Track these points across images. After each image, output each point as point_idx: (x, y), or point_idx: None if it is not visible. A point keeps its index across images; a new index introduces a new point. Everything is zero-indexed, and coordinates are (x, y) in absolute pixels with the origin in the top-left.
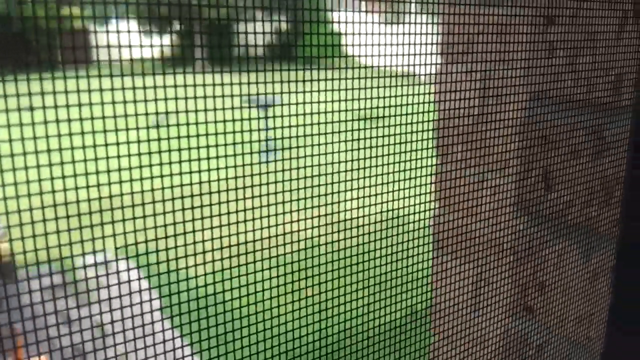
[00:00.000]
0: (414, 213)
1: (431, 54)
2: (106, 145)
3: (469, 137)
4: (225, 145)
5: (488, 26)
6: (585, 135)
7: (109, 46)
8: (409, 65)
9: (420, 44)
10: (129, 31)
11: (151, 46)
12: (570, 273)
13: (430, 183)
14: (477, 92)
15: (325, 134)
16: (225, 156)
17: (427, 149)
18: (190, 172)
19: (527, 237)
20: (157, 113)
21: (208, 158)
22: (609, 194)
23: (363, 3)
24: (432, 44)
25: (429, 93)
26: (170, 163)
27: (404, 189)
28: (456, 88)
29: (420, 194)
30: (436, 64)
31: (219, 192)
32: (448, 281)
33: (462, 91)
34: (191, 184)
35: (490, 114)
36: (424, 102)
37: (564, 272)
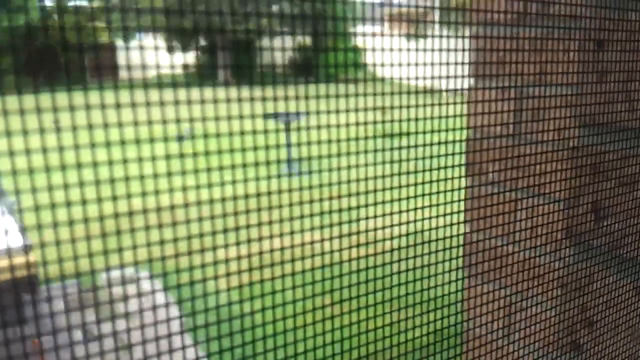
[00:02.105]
0: (438, 228)
1: (459, 72)
2: (138, 160)
3: (502, 156)
4: (246, 161)
5: (524, 46)
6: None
7: (138, 62)
8: (440, 81)
9: (453, 63)
10: (155, 47)
11: (172, 59)
12: (622, 309)
13: (459, 200)
14: (512, 113)
15: (351, 152)
16: (244, 167)
17: (456, 166)
18: (209, 185)
19: (574, 267)
20: (177, 127)
21: (220, 167)
22: None
23: (387, 22)
24: (461, 63)
25: (460, 114)
26: (197, 171)
27: (431, 206)
28: (490, 107)
29: (448, 213)
30: (468, 82)
31: (233, 208)
32: (481, 306)
33: (496, 112)
34: (210, 198)
35: (527, 135)
36: (447, 117)
37: (614, 308)
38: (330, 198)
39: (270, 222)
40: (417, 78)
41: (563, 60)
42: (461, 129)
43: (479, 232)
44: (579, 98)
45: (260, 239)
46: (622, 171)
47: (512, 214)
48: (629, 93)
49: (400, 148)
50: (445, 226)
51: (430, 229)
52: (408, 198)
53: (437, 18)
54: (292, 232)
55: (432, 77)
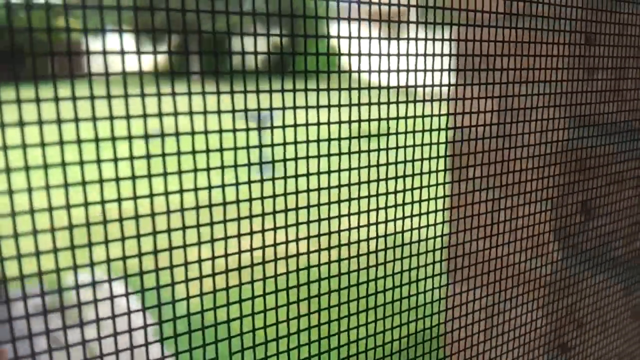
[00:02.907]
0: (420, 229)
1: (440, 69)
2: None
3: (488, 156)
4: (224, 161)
5: (509, 43)
6: (630, 162)
7: (102, 58)
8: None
9: (433, 62)
10: (121, 47)
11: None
12: (610, 310)
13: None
14: (496, 112)
15: (327, 153)
16: (221, 168)
17: (439, 171)
18: (180, 190)
19: (561, 267)
20: (145, 135)
21: (191, 170)
22: None
23: (364, 21)
24: (433, 55)
25: (441, 114)
26: (166, 174)
27: (406, 204)
28: (473, 106)
29: (422, 213)
30: (449, 81)
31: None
32: (462, 308)
33: (480, 112)
34: (178, 196)
35: (512, 134)
36: (423, 116)
37: (603, 309)
38: (308, 203)
39: (238, 221)
40: (393, 77)
41: (552, 55)
42: (441, 129)
43: (462, 234)
44: (567, 95)
45: (232, 238)
46: (610, 169)
47: (495, 215)
48: (619, 90)
49: (381, 150)
50: (426, 226)
51: (412, 230)
52: (387, 198)
53: (414, 17)
54: (255, 231)
55: (411, 77)
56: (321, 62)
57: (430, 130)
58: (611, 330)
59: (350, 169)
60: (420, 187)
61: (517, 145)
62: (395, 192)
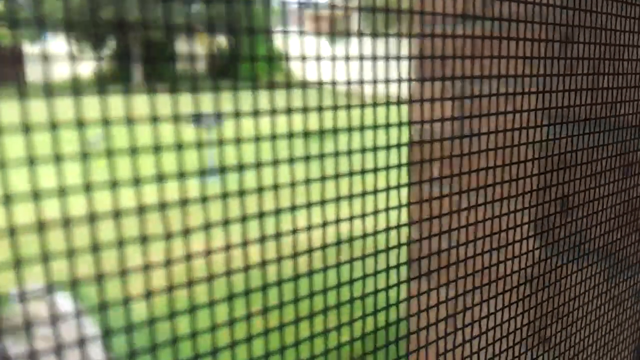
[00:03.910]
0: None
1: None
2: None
3: (447, 154)
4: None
5: (466, 41)
6: (610, 157)
7: (42, 64)
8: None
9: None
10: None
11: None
12: (591, 299)
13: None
14: (455, 110)
15: (276, 156)
16: (164, 176)
17: (400, 166)
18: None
19: (540, 260)
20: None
21: (127, 174)
22: (635, 217)
23: (308, 22)
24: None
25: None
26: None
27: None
28: (433, 105)
29: (374, 211)
30: (408, 79)
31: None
32: (427, 307)
33: (440, 109)
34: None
35: (473, 133)
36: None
37: (583, 299)
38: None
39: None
40: (342, 79)
41: (532, 51)
42: (402, 124)
43: (428, 230)
44: (545, 91)
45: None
46: (589, 162)
47: (460, 212)
48: (596, 84)
49: (339, 153)
50: (388, 229)
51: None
52: (338, 200)
53: (361, 19)
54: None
55: (360, 79)
56: (265, 66)
57: (387, 125)
58: (591, 317)
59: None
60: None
61: (476, 140)
62: (351, 195)
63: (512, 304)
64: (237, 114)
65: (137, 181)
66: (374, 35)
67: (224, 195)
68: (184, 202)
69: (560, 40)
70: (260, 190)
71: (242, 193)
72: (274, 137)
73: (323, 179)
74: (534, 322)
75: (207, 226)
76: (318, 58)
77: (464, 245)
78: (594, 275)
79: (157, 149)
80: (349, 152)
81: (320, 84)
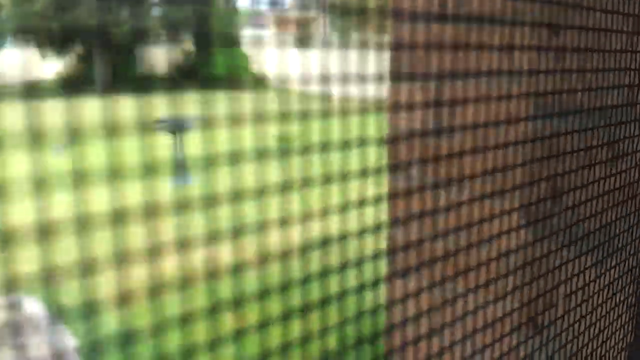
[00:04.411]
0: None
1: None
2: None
3: (426, 147)
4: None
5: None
6: (598, 145)
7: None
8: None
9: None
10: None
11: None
12: (583, 286)
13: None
14: (434, 104)
15: (246, 158)
16: (134, 180)
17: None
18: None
19: (532, 249)
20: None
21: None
22: (626, 203)
23: (275, 26)
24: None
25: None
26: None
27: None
28: (412, 100)
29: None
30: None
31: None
32: (414, 300)
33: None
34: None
35: (445, 125)
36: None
37: (575, 286)
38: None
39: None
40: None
41: (522, 43)
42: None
43: (410, 224)
44: (535, 81)
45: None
46: (577, 149)
47: (434, 204)
48: (584, 73)
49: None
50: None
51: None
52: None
53: (327, 24)
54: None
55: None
56: (235, 69)
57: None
58: (584, 307)
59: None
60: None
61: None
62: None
63: (506, 292)
64: (208, 119)
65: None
66: (346, 33)
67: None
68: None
69: (549, 32)
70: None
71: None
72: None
73: (307, 181)
74: (526, 307)
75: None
76: (283, 60)
77: (455, 234)
78: (585, 262)
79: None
80: (343, 146)
81: (284, 85)
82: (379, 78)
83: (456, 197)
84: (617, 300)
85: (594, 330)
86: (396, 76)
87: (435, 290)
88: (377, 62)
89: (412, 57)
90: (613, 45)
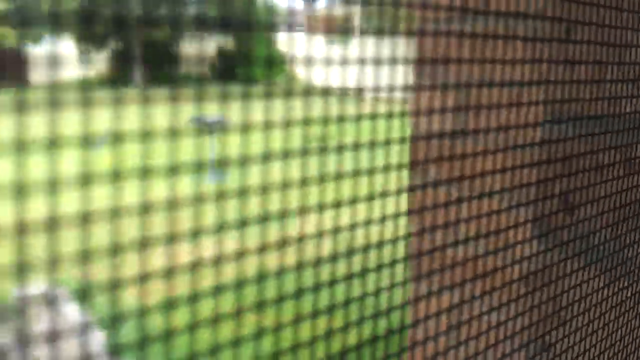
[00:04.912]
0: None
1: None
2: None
3: (449, 152)
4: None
5: (463, 40)
6: (612, 154)
7: (45, 65)
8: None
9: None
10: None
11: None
12: (594, 303)
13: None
14: (456, 108)
15: (279, 156)
16: (170, 177)
17: (400, 167)
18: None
19: (542, 261)
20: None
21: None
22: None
23: (310, 25)
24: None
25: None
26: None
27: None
28: (433, 103)
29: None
30: (407, 81)
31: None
32: (429, 308)
33: (442, 109)
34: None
35: (474, 130)
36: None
37: (586, 302)
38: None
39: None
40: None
41: (533, 49)
42: (403, 123)
43: (428, 230)
44: (546, 87)
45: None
46: (591, 160)
47: (459, 211)
48: (599, 80)
49: (338, 152)
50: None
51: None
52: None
53: (362, 20)
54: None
55: (362, 81)
56: (269, 67)
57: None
58: (595, 325)
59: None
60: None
61: (478, 140)
62: (354, 194)
63: (512, 302)
64: (244, 120)
65: (143, 178)
66: (377, 33)
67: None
68: (173, 204)
69: (561, 37)
70: (265, 189)
71: (243, 192)
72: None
73: (322, 179)
74: (536, 324)
75: (195, 233)
76: (322, 60)
77: (464, 244)
78: (597, 276)
79: (172, 154)
80: (356, 147)
81: (318, 85)
82: (407, 84)
83: (471, 205)
84: (630, 316)
85: (605, 344)
86: (420, 85)
87: (455, 301)
88: (405, 67)
89: (434, 59)
90: (629, 57)
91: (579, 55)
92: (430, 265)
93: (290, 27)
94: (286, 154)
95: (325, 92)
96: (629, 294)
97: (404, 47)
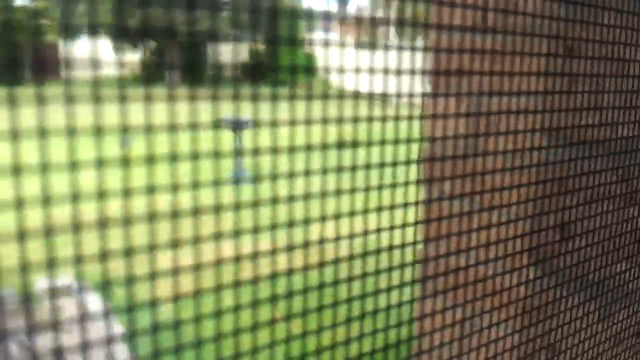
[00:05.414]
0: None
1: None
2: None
3: (463, 170)
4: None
5: (483, 53)
6: (613, 182)
7: (79, 61)
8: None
9: (407, 72)
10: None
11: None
12: (587, 335)
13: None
14: (471, 124)
15: (302, 160)
16: (195, 177)
17: (410, 183)
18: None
19: (537, 288)
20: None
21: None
22: (638, 248)
23: (341, 30)
24: (416, 72)
25: (415, 124)
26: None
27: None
28: (448, 118)
29: (403, 226)
30: (423, 91)
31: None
32: (434, 322)
33: (454, 123)
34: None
35: (487, 147)
36: (399, 124)
37: (578, 333)
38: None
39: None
40: (371, 86)
41: (530, 68)
42: (411, 139)
43: (435, 248)
44: (545, 109)
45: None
46: (590, 188)
47: (471, 230)
48: (598, 104)
49: (354, 161)
50: (400, 246)
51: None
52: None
53: (391, 29)
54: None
55: (386, 86)
56: (297, 70)
57: (402, 139)
58: (587, 356)
59: (326, 181)
60: (391, 206)
61: (489, 158)
62: (367, 205)
63: (509, 328)
64: (273, 121)
65: (174, 187)
66: (400, 47)
67: (255, 203)
68: (216, 208)
69: (564, 54)
70: (291, 199)
71: (274, 201)
72: (308, 147)
73: (338, 192)
74: (528, 351)
75: (237, 232)
76: (347, 63)
77: (476, 265)
78: (589, 308)
79: (195, 156)
80: (366, 166)
81: (343, 92)
82: (421, 93)
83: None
84: (625, 346)
85: None
86: (434, 92)
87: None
88: (419, 76)
89: (448, 73)
90: (632, 71)
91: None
92: (438, 285)
93: (325, 31)
94: (324, 170)
95: (356, 96)
96: (623, 327)
97: (421, 59)
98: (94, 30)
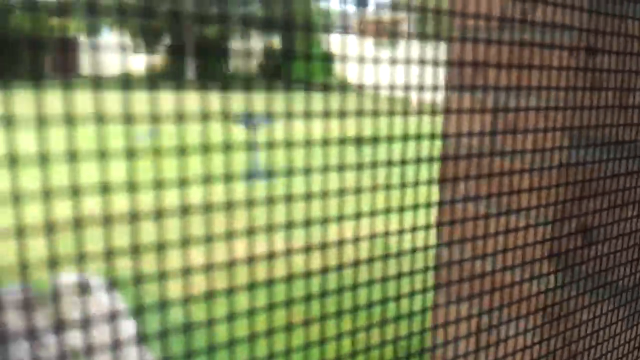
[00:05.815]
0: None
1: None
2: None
3: (480, 171)
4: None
5: (502, 52)
6: (632, 182)
7: (99, 58)
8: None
9: (427, 71)
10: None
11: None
12: (608, 341)
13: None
14: (491, 124)
15: (319, 159)
16: (209, 175)
17: (427, 183)
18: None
19: (558, 293)
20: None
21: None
22: None
23: (359, 29)
24: (436, 72)
25: (433, 124)
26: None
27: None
28: (467, 118)
29: (416, 227)
30: (445, 92)
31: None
32: (450, 324)
33: (473, 124)
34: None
35: (508, 148)
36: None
37: (600, 340)
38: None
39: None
40: (390, 87)
41: (552, 67)
42: (430, 139)
43: (450, 251)
44: (568, 109)
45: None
46: (615, 192)
47: (491, 234)
48: (624, 102)
49: (372, 160)
50: (416, 250)
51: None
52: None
53: (411, 26)
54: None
55: (404, 86)
56: (315, 68)
57: (418, 137)
58: (609, 357)
59: (343, 181)
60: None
61: (510, 159)
62: (387, 205)
63: (530, 333)
64: (289, 115)
65: (182, 182)
66: (423, 38)
67: (270, 200)
68: (229, 205)
69: (587, 52)
70: (308, 197)
71: (289, 198)
72: (325, 142)
73: (358, 191)
74: (546, 353)
75: (250, 231)
76: (371, 61)
77: (494, 268)
78: (613, 314)
79: (205, 149)
80: (388, 163)
81: (362, 87)
82: (441, 87)
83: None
84: None
85: None
86: (454, 86)
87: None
88: (441, 70)
89: (469, 68)
90: None
91: (604, 75)
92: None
93: (343, 30)
94: (342, 167)
95: (376, 92)
96: None
97: (442, 54)
98: (119, 23)
